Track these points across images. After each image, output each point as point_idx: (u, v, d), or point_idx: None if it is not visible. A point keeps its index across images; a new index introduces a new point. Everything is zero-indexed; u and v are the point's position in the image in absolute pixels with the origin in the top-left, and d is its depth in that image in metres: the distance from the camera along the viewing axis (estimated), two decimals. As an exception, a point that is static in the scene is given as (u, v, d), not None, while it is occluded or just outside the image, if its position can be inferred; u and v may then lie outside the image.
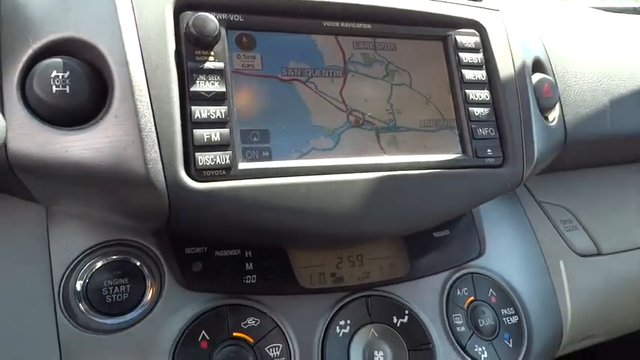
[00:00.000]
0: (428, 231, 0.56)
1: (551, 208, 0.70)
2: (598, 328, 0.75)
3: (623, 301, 0.71)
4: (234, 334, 0.45)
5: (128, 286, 0.46)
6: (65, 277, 0.45)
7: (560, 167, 0.76)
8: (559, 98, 0.60)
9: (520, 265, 0.59)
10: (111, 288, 0.45)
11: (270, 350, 0.45)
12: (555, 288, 0.61)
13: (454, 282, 0.53)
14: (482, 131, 0.51)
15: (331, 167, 0.45)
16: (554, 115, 0.60)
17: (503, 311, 0.54)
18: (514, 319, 0.54)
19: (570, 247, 0.67)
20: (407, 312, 0.50)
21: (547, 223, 0.68)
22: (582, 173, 0.79)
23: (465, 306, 0.53)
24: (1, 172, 0.42)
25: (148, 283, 0.46)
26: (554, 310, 0.59)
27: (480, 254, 0.57)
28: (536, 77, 0.58)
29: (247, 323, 0.45)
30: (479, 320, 0.52)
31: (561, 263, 0.64)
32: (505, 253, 0.59)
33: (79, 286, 0.45)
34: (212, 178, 0.40)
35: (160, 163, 0.39)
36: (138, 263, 0.46)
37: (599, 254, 0.69)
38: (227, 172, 0.41)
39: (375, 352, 0.47)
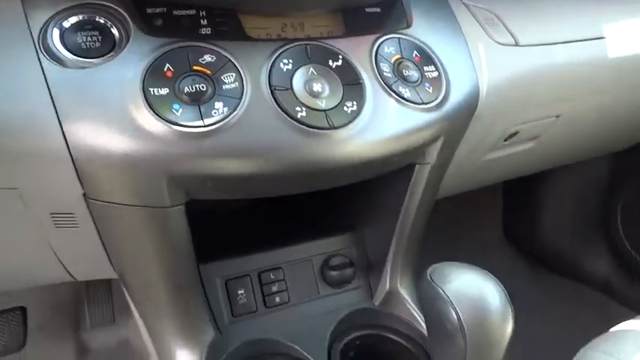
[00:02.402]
0: (362, 7, 0.64)
1: (476, 9, 0.79)
2: (514, 117, 0.86)
3: (535, 90, 0.82)
4: (194, 67, 0.53)
5: (100, 37, 0.53)
6: (43, 31, 0.53)
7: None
8: None
9: (443, 40, 0.68)
10: (85, 37, 0.53)
11: (226, 78, 0.54)
12: (474, 63, 0.71)
13: (383, 41, 0.63)
14: None
15: None
16: None
17: (425, 68, 0.64)
18: (434, 74, 0.64)
19: (491, 38, 0.77)
20: (341, 57, 0.59)
21: (471, 18, 0.77)
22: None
23: (392, 60, 0.62)
24: None
25: (116, 33, 0.54)
26: (471, 77, 0.69)
27: (408, 26, 0.66)
28: None
29: (205, 59, 0.54)
30: (403, 71, 0.62)
31: (480, 46, 0.74)
32: (430, 29, 0.68)
33: (56, 36, 0.53)
34: None
35: None
36: (106, 20, 0.54)
37: (516, 45, 0.79)
38: None
39: (314, 84, 0.56)
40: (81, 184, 0.54)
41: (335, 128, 0.55)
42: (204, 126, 0.51)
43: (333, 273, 0.77)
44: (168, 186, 0.54)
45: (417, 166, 0.69)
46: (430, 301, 0.44)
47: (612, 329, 0.75)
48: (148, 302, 0.73)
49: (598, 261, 1.62)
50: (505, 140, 0.94)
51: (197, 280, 0.68)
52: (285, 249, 0.78)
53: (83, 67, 0.52)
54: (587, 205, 1.60)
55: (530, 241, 1.75)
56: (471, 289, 0.44)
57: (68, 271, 0.76)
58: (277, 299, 0.75)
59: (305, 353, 0.71)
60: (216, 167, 0.53)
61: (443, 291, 0.43)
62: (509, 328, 0.43)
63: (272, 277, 0.76)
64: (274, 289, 0.75)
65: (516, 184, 1.73)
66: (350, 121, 0.56)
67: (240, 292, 0.73)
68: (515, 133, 0.93)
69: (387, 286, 0.79)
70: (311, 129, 0.54)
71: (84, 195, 0.56)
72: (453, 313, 0.43)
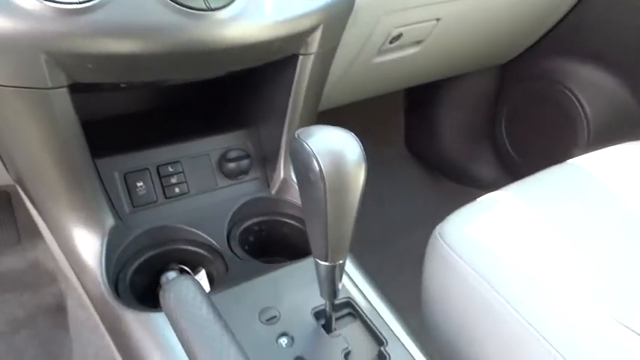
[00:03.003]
0: None
1: None
2: (394, 17, 0.92)
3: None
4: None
5: None
6: None
7: None
8: None
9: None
10: None
11: None
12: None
13: None
14: None
15: None
16: None
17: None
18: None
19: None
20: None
21: None
22: None
23: None
24: None
25: None
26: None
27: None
28: None
29: None
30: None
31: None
32: None
33: None
34: None
35: None
36: None
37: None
38: None
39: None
40: (-45, 66, 0.54)
41: (212, 10, 0.58)
42: (79, 2, 0.52)
43: (231, 165, 0.82)
44: (47, 65, 0.55)
45: (301, 57, 0.74)
46: (297, 155, 0.51)
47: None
48: (46, 201, 0.75)
49: (486, 166, 1.80)
50: (391, 42, 1.01)
51: (93, 171, 0.70)
52: (183, 144, 0.82)
53: None
54: (477, 115, 1.75)
55: (430, 152, 1.90)
56: (332, 143, 0.50)
57: (-41, 177, 0.75)
58: (177, 190, 0.79)
59: (206, 236, 0.77)
60: (93, 46, 0.55)
61: (307, 145, 0.50)
62: (362, 175, 0.51)
63: (171, 169, 0.79)
64: (173, 181, 0.79)
65: (416, 98, 1.84)
66: (227, 4, 0.59)
67: (139, 184, 0.77)
68: (400, 36, 1.00)
69: (282, 175, 0.85)
70: (188, 9, 0.57)
71: (-41, 78, 0.56)
72: (315, 164, 0.49)
